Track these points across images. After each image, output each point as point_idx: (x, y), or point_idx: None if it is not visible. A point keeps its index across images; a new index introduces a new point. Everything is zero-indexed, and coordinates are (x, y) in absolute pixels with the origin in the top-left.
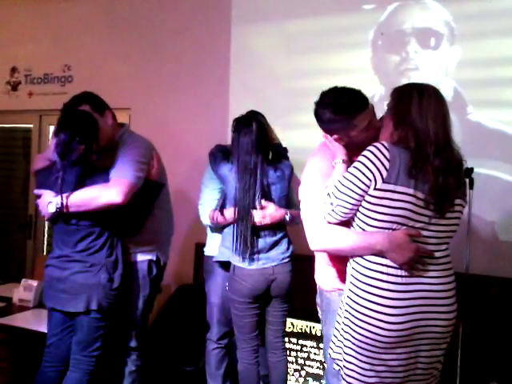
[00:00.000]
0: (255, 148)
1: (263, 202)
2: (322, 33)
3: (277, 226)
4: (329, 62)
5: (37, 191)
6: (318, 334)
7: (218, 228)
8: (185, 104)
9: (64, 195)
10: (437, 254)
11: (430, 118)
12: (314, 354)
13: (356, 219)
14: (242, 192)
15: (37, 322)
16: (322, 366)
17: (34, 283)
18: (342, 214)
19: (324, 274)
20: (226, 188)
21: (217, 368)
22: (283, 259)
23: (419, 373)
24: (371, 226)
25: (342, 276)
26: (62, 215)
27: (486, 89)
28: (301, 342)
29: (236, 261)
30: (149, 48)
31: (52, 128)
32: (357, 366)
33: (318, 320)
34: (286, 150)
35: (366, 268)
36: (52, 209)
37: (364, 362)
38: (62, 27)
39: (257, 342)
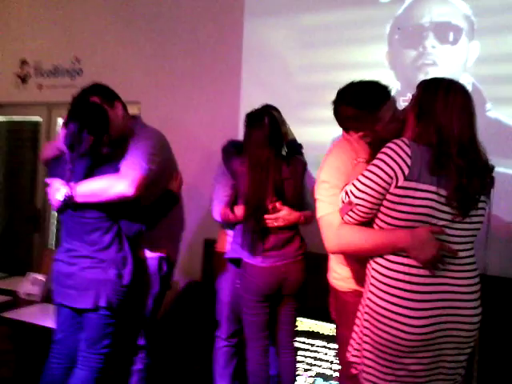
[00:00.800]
0: (267, 142)
1: (277, 204)
2: (336, 27)
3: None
4: (343, 57)
5: (47, 180)
6: (327, 333)
7: (229, 224)
8: (196, 98)
9: (72, 184)
10: (461, 254)
11: (455, 116)
12: (323, 353)
13: (376, 218)
14: (252, 187)
15: (43, 317)
16: (331, 366)
17: (42, 278)
18: (362, 214)
19: (339, 275)
20: (238, 183)
21: (225, 367)
22: (296, 257)
23: (441, 378)
24: (392, 224)
25: (358, 276)
26: (70, 206)
27: (505, 85)
28: (309, 341)
29: (247, 258)
30: (160, 41)
31: (61, 121)
32: (376, 370)
33: (327, 319)
34: (300, 146)
35: (387, 268)
36: (60, 197)
37: (384, 366)
38: (72, 19)
39: (267, 341)
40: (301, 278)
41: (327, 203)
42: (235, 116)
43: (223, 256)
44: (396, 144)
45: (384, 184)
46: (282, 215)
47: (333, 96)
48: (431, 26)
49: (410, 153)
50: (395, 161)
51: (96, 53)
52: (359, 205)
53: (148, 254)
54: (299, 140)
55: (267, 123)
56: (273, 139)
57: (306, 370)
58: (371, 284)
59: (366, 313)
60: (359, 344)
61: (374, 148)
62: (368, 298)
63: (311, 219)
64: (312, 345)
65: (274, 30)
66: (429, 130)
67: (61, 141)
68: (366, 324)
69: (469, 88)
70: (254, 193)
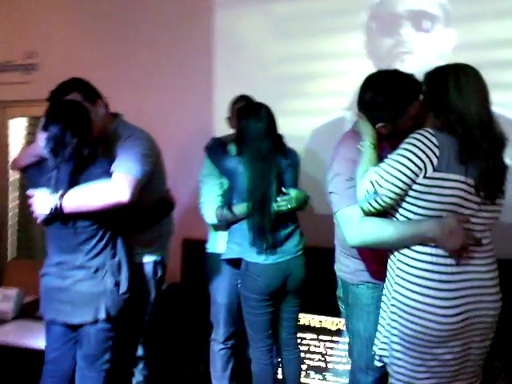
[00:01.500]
0: (267, 134)
1: (283, 189)
2: (311, 16)
3: (289, 217)
4: (320, 46)
5: (30, 192)
6: (317, 325)
7: (222, 224)
8: (165, 93)
9: (58, 194)
10: (483, 241)
11: (470, 100)
12: (314, 346)
13: (399, 208)
14: (255, 181)
15: (20, 336)
16: (323, 359)
17: (13, 292)
18: (385, 205)
19: (348, 267)
20: (235, 182)
21: (223, 370)
22: (297, 252)
23: (470, 364)
24: (418, 214)
25: (371, 268)
26: (59, 217)
27: (482, 72)
28: (300, 334)
29: (249, 256)
30: (124, 33)
31: (11, 122)
32: (407, 361)
33: (317, 312)
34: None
35: (415, 259)
36: (46, 210)
37: (415, 358)
38: (25, 10)
39: (272, 340)
40: (303, 273)
41: (345, 196)
42: (208, 110)
43: (217, 257)
44: (422, 135)
45: (412, 175)
46: (294, 195)
47: (310, 87)
48: (407, 15)
49: (437, 143)
50: (424, 152)
51: (54, 46)
52: (385, 194)
53: (143, 258)
54: None
55: (265, 115)
56: (272, 131)
57: None
58: (397, 276)
59: (392, 305)
60: (386, 337)
61: (386, 140)
62: (395, 290)
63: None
64: (303, 338)
65: (247, 20)
66: (450, 120)
67: (40, 145)
68: (394, 316)
69: None
70: (258, 187)
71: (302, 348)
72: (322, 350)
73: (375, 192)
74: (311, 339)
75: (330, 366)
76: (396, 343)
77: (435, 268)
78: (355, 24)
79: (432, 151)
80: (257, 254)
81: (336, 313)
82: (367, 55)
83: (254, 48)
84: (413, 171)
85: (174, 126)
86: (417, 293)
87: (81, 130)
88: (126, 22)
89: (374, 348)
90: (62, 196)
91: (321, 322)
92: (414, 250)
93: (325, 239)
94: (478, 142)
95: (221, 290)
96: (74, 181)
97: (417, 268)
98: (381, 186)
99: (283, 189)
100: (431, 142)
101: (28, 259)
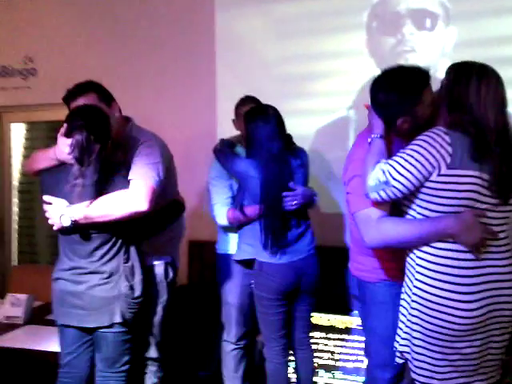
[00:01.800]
0: (276, 134)
1: (290, 185)
2: (313, 15)
3: (301, 216)
4: (322, 46)
5: (47, 198)
6: (326, 324)
7: (235, 226)
8: (167, 96)
9: (81, 207)
10: (499, 235)
11: (489, 105)
12: (323, 344)
13: (415, 206)
14: (268, 183)
15: (31, 341)
16: (332, 357)
17: (23, 297)
18: (393, 197)
19: (364, 266)
20: (246, 184)
21: (235, 370)
22: (309, 250)
23: (490, 358)
24: (435, 211)
25: (386, 266)
26: (78, 227)
27: None
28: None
29: (263, 257)
30: (124, 36)
31: (13, 126)
32: (429, 356)
33: (325, 311)
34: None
35: (435, 255)
36: (66, 222)
37: (436, 352)
38: (23, 16)
39: (286, 340)
40: (317, 271)
41: (363, 198)
42: (211, 112)
43: (228, 257)
44: (435, 133)
45: (426, 173)
46: (300, 192)
47: (312, 87)
48: (408, 13)
49: (450, 141)
50: (438, 150)
51: (51, 52)
52: (395, 187)
53: (154, 260)
54: None
55: (274, 116)
56: (280, 132)
57: None
58: (418, 272)
59: (414, 301)
60: (407, 333)
61: (410, 135)
62: (416, 287)
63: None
64: (311, 337)
65: (248, 21)
66: (463, 120)
67: (61, 150)
68: (415, 312)
69: None
70: (271, 189)
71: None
72: (330, 348)
73: (386, 182)
74: (320, 338)
75: (338, 364)
76: (417, 339)
77: (455, 263)
78: (356, 23)
79: (445, 149)
80: (270, 254)
81: (344, 311)
82: (369, 54)
83: (256, 48)
84: (426, 169)
85: (176, 127)
86: (438, 288)
87: (104, 136)
88: (125, 26)
89: (395, 344)
90: (84, 210)
91: (329, 320)
92: (434, 247)
93: (330, 238)
94: (491, 146)
95: (232, 290)
96: (101, 189)
97: (437, 264)
98: (393, 178)
99: (290, 185)
100: (444, 140)
101: (31, 264)
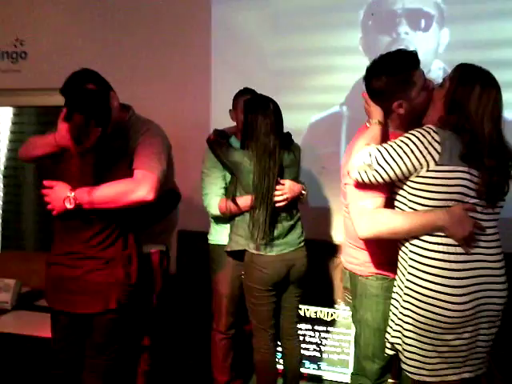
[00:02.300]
0: (274, 130)
1: (280, 180)
2: (309, 11)
3: (292, 209)
4: (317, 42)
5: (47, 182)
6: (313, 316)
7: (227, 217)
8: (161, 87)
9: (86, 191)
10: (489, 231)
11: (486, 116)
12: (310, 336)
13: (406, 201)
14: (260, 175)
15: (20, 325)
16: (318, 349)
17: (11, 282)
18: (373, 180)
19: (357, 259)
20: (240, 174)
21: (224, 360)
22: (299, 243)
23: (479, 351)
24: (425, 205)
25: (378, 260)
26: (80, 211)
27: None
28: None
29: (254, 248)
30: (118, 23)
31: (0, 110)
32: (418, 348)
33: (312, 303)
34: (289, 134)
35: (426, 249)
36: (70, 205)
37: (426, 344)
38: None
39: (274, 330)
40: (306, 264)
41: (360, 189)
42: (206, 104)
43: (220, 248)
44: (425, 130)
45: (410, 167)
46: (288, 186)
47: (307, 82)
48: (403, 13)
49: (439, 139)
50: (426, 147)
51: (43, 35)
52: (377, 172)
53: (150, 248)
54: None
55: (273, 110)
56: (278, 127)
57: None
58: (410, 266)
59: (406, 294)
60: (399, 325)
61: (407, 122)
62: (408, 280)
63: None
64: (298, 328)
65: (245, 14)
66: (458, 124)
67: (62, 135)
68: (407, 305)
69: (440, 73)
70: (262, 181)
71: None
72: (317, 340)
73: (369, 165)
74: (306, 329)
75: (324, 356)
76: (409, 331)
77: (446, 257)
78: (352, 21)
79: (433, 147)
80: (261, 246)
81: (331, 304)
82: (364, 52)
83: (252, 42)
84: (412, 163)
85: (171, 119)
86: (429, 281)
87: (104, 119)
88: (119, 14)
89: (387, 336)
90: (89, 192)
91: (316, 312)
92: (426, 241)
93: (320, 232)
94: (483, 156)
95: (224, 280)
96: (98, 174)
97: (428, 258)
98: (377, 162)
99: (280, 180)
100: (433, 138)
101: (16, 250)
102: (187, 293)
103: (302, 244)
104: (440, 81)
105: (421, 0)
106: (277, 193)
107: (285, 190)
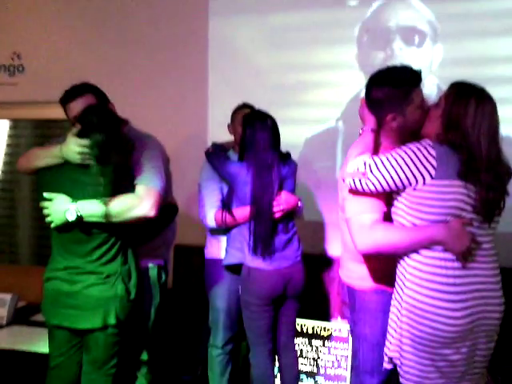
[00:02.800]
0: (272, 144)
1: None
2: (306, 27)
3: (288, 223)
4: (314, 57)
5: (47, 195)
6: (310, 331)
7: (221, 230)
8: (158, 99)
9: (88, 204)
10: (485, 246)
11: (482, 132)
12: (307, 351)
13: (404, 215)
14: (260, 190)
15: (16, 341)
16: (315, 363)
17: (7, 297)
18: (366, 188)
19: (355, 273)
20: (236, 187)
21: (221, 375)
22: (297, 257)
23: (476, 366)
24: (423, 219)
25: (377, 274)
26: (77, 224)
27: None
28: None
29: (251, 262)
30: (116, 36)
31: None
32: (417, 362)
33: (309, 317)
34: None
35: (425, 264)
36: (71, 217)
37: (425, 359)
38: (10, 11)
39: (271, 344)
40: (303, 278)
41: (359, 202)
42: (203, 118)
43: (216, 262)
44: (422, 145)
45: (405, 180)
46: (283, 198)
47: (303, 96)
48: (398, 30)
49: (435, 154)
50: (421, 162)
51: (40, 49)
52: (371, 181)
53: (148, 263)
54: None
55: (271, 124)
56: (276, 141)
57: None
58: (408, 280)
59: (404, 308)
60: (397, 339)
61: (399, 137)
62: (406, 294)
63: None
64: (295, 342)
65: (241, 30)
66: (456, 142)
67: (70, 150)
68: (405, 319)
69: (434, 89)
70: (262, 196)
71: None
72: (313, 354)
73: (363, 173)
74: (303, 344)
75: (322, 370)
76: (407, 345)
77: (443, 271)
78: (348, 37)
79: (430, 163)
80: (259, 260)
81: (328, 318)
82: (359, 67)
83: (249, 57)
84: (407, 176)
85: (169, 133)
86: (427, 295)
87: (118, 136)
88: (117, 26)
89: (385, 350)
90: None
91: (313, 327)
92: (424, 255)
93: (316, 246)
94: (480, 172)
95: (221, 295)
96: (113, 190)
97: (427, 272)
98: (371, 171)
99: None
100: (429, 153)
101: (11, 264)
102: (184, 307)
103: (300, 258)
104: (433, 96)
105: (414, 17)
106: (274, 203)
107: (281, 201)
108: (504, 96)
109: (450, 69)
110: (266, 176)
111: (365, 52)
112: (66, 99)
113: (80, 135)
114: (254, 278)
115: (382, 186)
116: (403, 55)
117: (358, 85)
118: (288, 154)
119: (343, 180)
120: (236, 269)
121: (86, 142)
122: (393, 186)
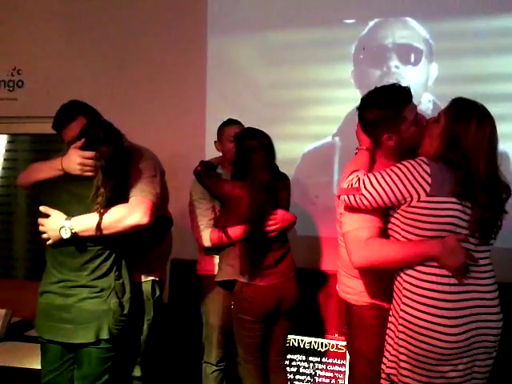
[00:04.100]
0: (268, 162)
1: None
2: (303, 45)
3: (282, 239)
4: (310, 75)
5: (44, 209)
6: (307, 347)
7: (217, 248)
8: (156, 116)
9: (82, 219)
10: (482, 262)
11: (481, 153)
12: (304, 367)
13: (399, 230)
14: (256, 209)
15: (9, 357)
16: (312, 380)
17: (1, 312)
18: (360, 204)
19: (352, 289)
20: (230, 205)
21: None
22: (290, 273)
23: (474, 383)
24: (418, 235)
25: (374, 290)
26: (72, 239)
27: None
28: (290, 356)
29: (244, 278)
30: (114, 52)
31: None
32: (414, 379)
33: (306, 333)
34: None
35: (420, 280)
36: (66, 234)
37: (422, 376)
38: (9, 26)
39: (261, 361)
40: (297, 294)
41: (355, 218)
42: (201, 135)
43: (209, 278)
44: (417, 162)
45: (399, 196)
46: (279, 216)
47: (300, 113)
48: (394, 48)
49: (429, 171)
50: (416, 179)
51: (39, 64)
52: (365, 197)
53: (142, 278)
54: None
55: (267, 144)
56: (271, 159)
57: None
58: (404, 296)
59: (400, 324)
60: (394, 355)
61: (396, 154)
62: (402, 310)
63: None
64: (292, 360)
65: (240, 47)
66: (455, 160)
67: (72, 163)
68: (402, 336)
69: (430, 106)
70: (257, 213)
71: (291, 369)
72: (311, 371)
73: (357, 189)
74: (300, 360)
75: None
76: (404, 361)
77: (439, 288)
78: (344, 54)
79: (424, 179)
80: (251, 276)
81: (325, 334)
82: (355, 85)
83: (247, 75)
84: (401, 193)
85: (165, 147)
86: (423, 312)
87: (122, 148)
88: (116, 43)
89: (383, 366)
90: (84, 220)
91: (310, 343)
92: (420, 271)
93: (313, 261)
94: (476, 191)
95: (214, 312)
96: (114, 198)
97: (422, 288)
98: (365, 187)
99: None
100: (424, 170)
101: (7, 279)
102: (179, 323)
103: (293, 274)
104: (429, 113)
105: (410, 36)
106: (269, 222)
107: (277, 219)
108: (498, 113)
109: (446, 86)
110: (262, 195)
111: (361, 69)
112: (58, 126)
113: (84, 148)
114: (246, 295)
115: (376, 201)
116: (399, 72)
117: (354, 101)
118: (282, 174)
119: (339, 196)
120: (229, 285)
121: (89, 154)
122: (387, 201)
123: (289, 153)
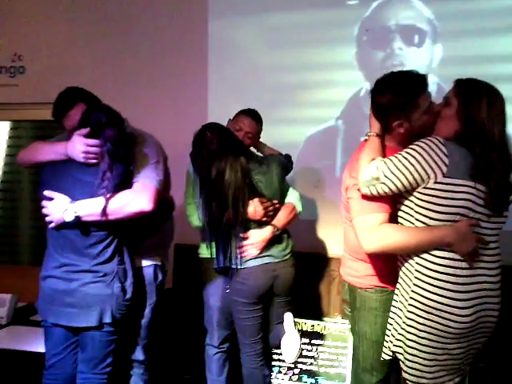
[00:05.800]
0: (217, 155)
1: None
2: (304, 27)
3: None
4: (313, 57)
5: (48, 193)
6: (310, 329)
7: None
8: (157, 100)
9: (87, 203)
10: (491, 245)
11: (496, 122)
12: (307, 350)
13: (413, 213)
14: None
15: (15, 341)
16: (315, 362)
17: (7, 297)
18: (382, 193)
19: (357, 272)
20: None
21: (219, 374)
22: (284, 256)
23: (470, 357)
24: (433, 218)
25: (379, 272)
26: (76, 223)
27: None
28: None
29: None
30: (116, 37)
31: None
32: (420, 357)
33: (309, 317)
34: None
35: (435, 263)
36: (69, 217)
37: (428, 353)
38: (11, 13)
39: (261, 345)
40: (292, 274)
41: (365, 204)
42: (203, 118)
43: (209, 262)
44: (433, 142)
45: (418, 178)
46: (254, 241)
47: (303, 96)
48: (397, 29)
49: (446, 151)
50: (433, 159)
51: (41, 50)
52: (386, 184)
53: (144, 262)
54: (270, 140)
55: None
56: (227, 146)
57: (290, 369)
58: (416, 278)
59: (410, 305)
60: (401, 334)
61: (406, 140)
62: (413, 291)
63: (295, 212)
64: None
65: (241, 31)
66: (471, 134)
67: (75, 149)
68: (411, 316)
69: (434, 87)
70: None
71: None
72: (313, 354)
73: (377, 178)
74: (303, 343)
75: (321, 369)
76: (412, 341)
77: (451, 271)
78: (347, 36)
79: (441, 159)
80: (242, 260)
81: (328, 317)
82: (359, 67)
83: (248, 58)
84: (419, 173)
85: (167, 132)
86: (437, 294)
87: (125, 132)
88: (117, 28)
89: (389, 344)
90: (88, 204)
91: (313, 326)
92: (433, 255)
93: (315, 245)
94: (493, 162)
95: (214, 293)
96: (119, 183)
97: (435, 271)
98: (384, 175)
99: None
100: (441, 150)
101: (12, 264)
102: (183, 307)
103: (288, 257)
104: (433, 95)
105: (414, 16)
106: (245, 248)
107: (250, 243)
108: (504, 95)
109: (450, 67)
110: (237, 194)
111: (364, 51)
112: (58, 116)
113: (88, 135)
114: (238, 277)
115: (396, 187)
116: (403, 54)
117: (357, 84)
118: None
119: (357, 189)
120: (225, 270)
121: (93, 141)
122: (407, 184)
123: (291, 136)
